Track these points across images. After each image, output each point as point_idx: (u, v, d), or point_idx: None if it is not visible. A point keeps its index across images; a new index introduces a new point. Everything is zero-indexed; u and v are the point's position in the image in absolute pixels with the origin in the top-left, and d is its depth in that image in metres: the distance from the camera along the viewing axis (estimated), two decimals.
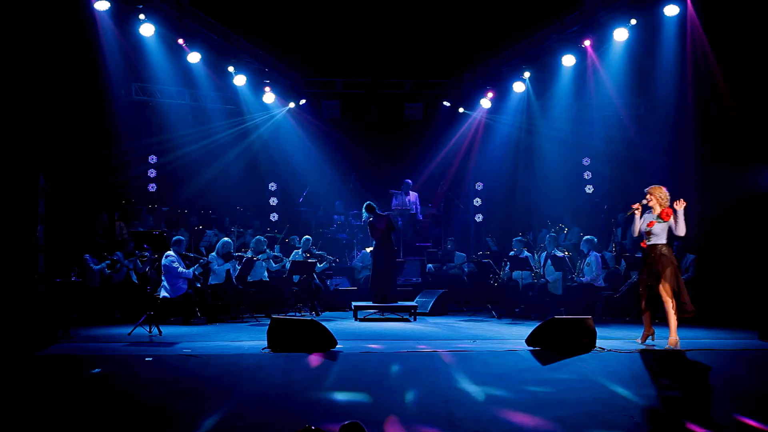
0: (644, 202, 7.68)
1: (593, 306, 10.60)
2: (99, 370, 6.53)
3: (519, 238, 11.81)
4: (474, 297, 12.90)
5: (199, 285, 10.59)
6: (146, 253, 10.52)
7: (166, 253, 10.06)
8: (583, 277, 10.74)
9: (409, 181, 14.40)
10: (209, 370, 6.59)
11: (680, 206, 7.46)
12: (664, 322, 7.57)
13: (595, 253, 10.80)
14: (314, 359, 6.78)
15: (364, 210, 11.21)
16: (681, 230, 7.51)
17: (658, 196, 7.64)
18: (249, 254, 11.23)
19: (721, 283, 10.04)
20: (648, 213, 7.71)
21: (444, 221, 15.41)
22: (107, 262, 10.59)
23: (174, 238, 10.44)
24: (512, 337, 8.50)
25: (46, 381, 6.35)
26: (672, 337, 7.40)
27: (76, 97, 11.20)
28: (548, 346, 7.18)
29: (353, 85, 15.70)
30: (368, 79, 15.49)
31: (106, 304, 10.30)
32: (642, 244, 7.82)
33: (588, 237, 11.03)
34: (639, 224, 7.73)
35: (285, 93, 15.32)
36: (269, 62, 14.78)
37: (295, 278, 11.43)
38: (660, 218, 7.57)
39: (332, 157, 15.40)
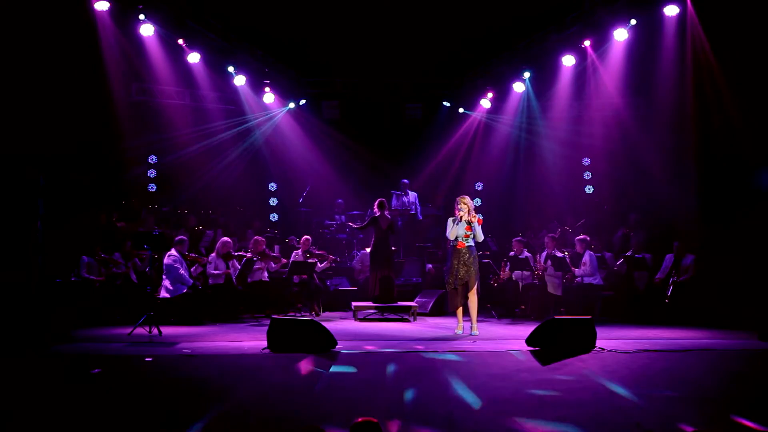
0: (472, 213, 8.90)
1: (593, 306, 10.61)
2: (99, 370, 6.53)
3: (519, 238, 11.80)
4: None
5: (199, 286, 10.58)
6: (145, 253, 10.52)
7: (169, 253, 10.06)
8: (579, 277, 10.78)
9: (406, 180, 14.42)
10: (209, 370, 6.59)
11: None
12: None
13: (589, 252, 10.86)
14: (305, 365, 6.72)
15: (376, 205, 11.22)
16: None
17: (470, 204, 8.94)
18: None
19: (721, 283, 10.04)
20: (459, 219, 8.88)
21: (444, 221, 15.38)
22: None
23: (177, 239, 10.44)
24: (512, 337, 8.50)
25: (47, 381, 6.34)
26: (475, 325, 8.81)
27: (76, 97, 11.20)
28: (548, 346, 7.18)
29: (353, 85, 15.69)
30: (368, 79, 15.48)
31: (106, 305, 10.28)
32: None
33: (581, 237, 11.10)
34: (457, 228, 8.84)
35: (285, 93, 15.32)
36: (269, 62, 14.78)
37: (295, 278, 11.43)
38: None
39: (332, 157, 15.40)
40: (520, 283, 11.24)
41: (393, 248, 11.76)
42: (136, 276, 10.88)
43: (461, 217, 8.91)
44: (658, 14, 11.74)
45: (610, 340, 7.84)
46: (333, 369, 6.68)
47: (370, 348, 7.54)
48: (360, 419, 4.10)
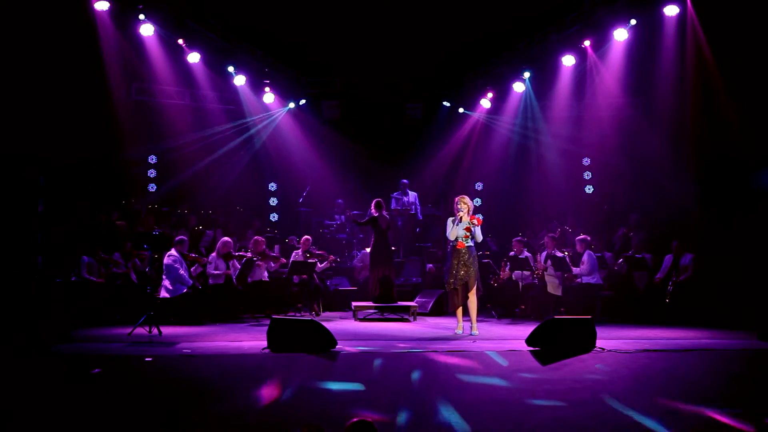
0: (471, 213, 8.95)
1: (593, 306, 10.61)
2: (99, 370, 6.53)
3: (519, 238, 11.81)
4: None
5: (199, 286, 10.57)
6: (145, 253, 10.52)
7: (169, 253, 10.06)
8: (579, 277, 10.78)
9: (406, 180, 14.41)
10: (209, 370, 6.59)
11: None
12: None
13: (588, 252, 10.88)
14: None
15: (373, 206, 11.22)
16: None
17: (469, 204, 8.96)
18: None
19: (720, 283, 10.04)
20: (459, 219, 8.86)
21: (444, 221, 15.39)
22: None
23: (177, 239, 10.44)
24: (512, 337, 8.50)
25: (47, 381, 6.34)
26: (475, 325, 8.82)
27: (76, 98, 11.20)
28: (548, 346, 7.18)
29: (353, 85, 15.67)
30: (368, 79, 15.47)
31: (106, 305, 10.27)
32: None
33: (581, 237, 11.11)
34: (458, 228, 8.83)
35: (285, 93, 15.31)
36: (269, 62, 14.77)
37: (295, 278, 11.43)
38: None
39: (332, 157, 15.38)
40: (520, 283, 11.24)
41: (393, 248, 11.76)
42: (136, 276, 10.88)
43: (461, 217, 8.89)
44: (658, 14, 11.74)
45: (610, 340, 7.83)
46: (333, 369, 6.68)
47: (369, 348, 7.54)
48: (355, 419, 4.08)
